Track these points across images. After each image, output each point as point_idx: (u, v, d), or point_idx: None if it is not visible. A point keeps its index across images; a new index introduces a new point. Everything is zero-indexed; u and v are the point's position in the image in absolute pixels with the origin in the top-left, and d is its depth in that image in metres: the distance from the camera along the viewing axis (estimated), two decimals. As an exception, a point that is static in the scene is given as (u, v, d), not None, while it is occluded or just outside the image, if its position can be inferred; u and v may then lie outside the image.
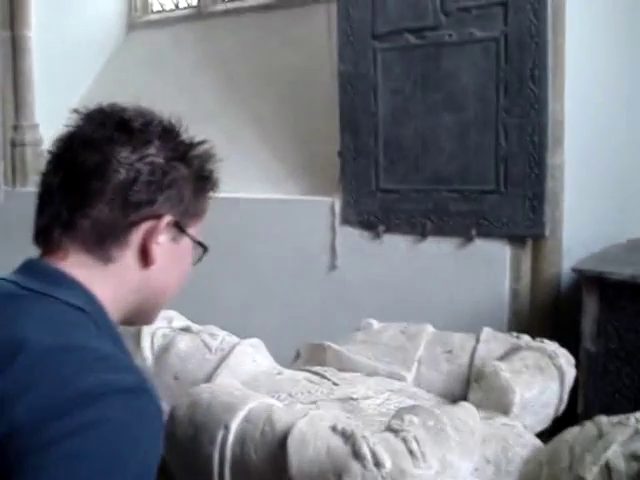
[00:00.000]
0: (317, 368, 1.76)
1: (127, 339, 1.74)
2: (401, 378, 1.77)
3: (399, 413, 1.33)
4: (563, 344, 2.34)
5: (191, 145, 1.06)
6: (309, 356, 1.85)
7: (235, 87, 3.44)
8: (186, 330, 1.76)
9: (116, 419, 0.83)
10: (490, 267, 2.69)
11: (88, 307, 0.96)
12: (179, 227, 1.04)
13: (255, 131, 3.27)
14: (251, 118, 3.31)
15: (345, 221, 2.91)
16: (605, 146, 2.68)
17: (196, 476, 1.36)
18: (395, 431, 1.25)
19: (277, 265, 3.03)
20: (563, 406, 1.67)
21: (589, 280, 2.40)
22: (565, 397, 1.66)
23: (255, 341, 1.77)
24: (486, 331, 1.84)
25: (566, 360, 1.68)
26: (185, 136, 1.06)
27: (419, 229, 2.78)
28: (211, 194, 1.12)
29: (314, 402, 1.61)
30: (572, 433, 1.43)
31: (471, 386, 1.61)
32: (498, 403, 1.57)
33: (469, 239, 2.69)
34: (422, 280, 2.75)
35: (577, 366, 2.19)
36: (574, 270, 2.47)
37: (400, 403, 1.62)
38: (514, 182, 2.61)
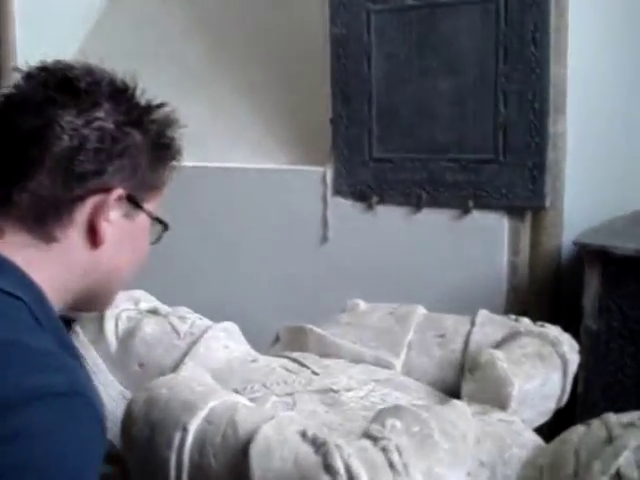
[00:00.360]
0: (296, 354, 1.55)
1: (89, 322, 1.55)
2: (388, 365, 1.56)
3: (380, 416, 1.13)
4: (563, 321, 2.14)
5: (147, 108, 0.93)
6: (289, 340, 1.65)
7: (225, 53, 3.19)
8: (154, 312, 1.55)
9: (43, 427, 0.70)
10: (488, 240, 2.49)
11: (25, 295, 0.82)
12: (133, 201, 0.91)
13: (245, 98, 3.04)
14: (241, 84, 3.07)
15: (337, 192, 2.70)
16: (610, 114, 2.46)
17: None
18: (374, 439, 1.05)
19: (266, 237, 2.82)
20: (566, 397, 1.47)
21: (591, 254, 2.21)
22: (568, 388, 1.46)
23: (229, 325, 1.56)
24: (482, 314, 1.63)
25: (570, 347, 1.48)
26: (140, 98, 0.93)
27: (414, 200, 2.58)
28: (173, 164, 1.01)
29: (290, 394, 1.41)
30: (577, 433, 1.23)
31: (464, 377, 1.41)
32: (494, 396, 1.37)
33: (466, 211, 2.49)
34: (417, 253, 2.55)
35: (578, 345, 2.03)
36: (575, 243, 2.27)
37: (385, 395, 1.42)
38: (513, 151, 2.39)
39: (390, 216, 2.60)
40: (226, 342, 1.52)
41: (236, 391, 1.42)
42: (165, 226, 1.04)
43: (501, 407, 1.37)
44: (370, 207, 2.64)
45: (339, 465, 1.00)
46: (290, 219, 2.76)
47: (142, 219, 0.96)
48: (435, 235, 2.54)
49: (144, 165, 0.93)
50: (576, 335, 2.23)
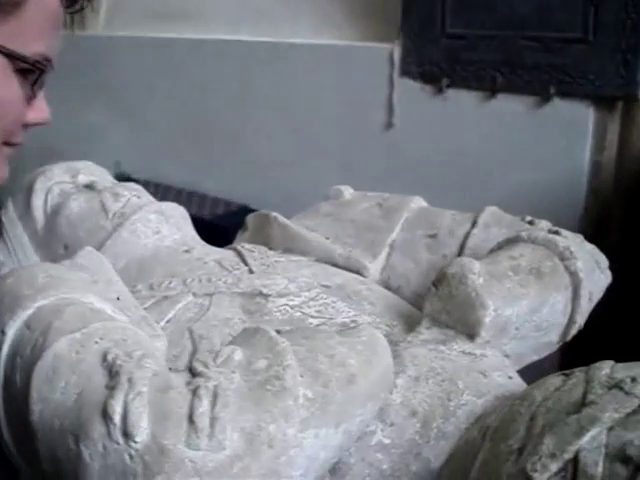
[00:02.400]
0: (249, 247, 1.16)
1: (17, 194, 1.21)
2: (360, 268, 1.14)
3: (232, 341, 0.73)
4: None
5: None
6: (255, 229, 1.25)
7: None
8: (90, 187, 1.19)
9: None
10: (569, 133, 1.98)
11: None
12: None
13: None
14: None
15: (404, 72, 2.23)
16: None
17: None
18: (195, 375, 0.65)
19: (327, 122, 2.39)
20: (576, 328, 1.00)
21: None
22: (579, 317, 0.99)
23: (167, 206, 1.18)
24: (489, 212, 1.16)
25: (587, 263, 1.00)
26: None
27: (488, 84, 2.09)
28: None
29: (210, 294, 1.03)
30: (545, 388, 0.78)
31: (428, 291, 0.96)
32: (462, 320, 0.93)
33: (546, 98, 1.99)
34: (489, 144, 2.08)
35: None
36: (667, 141, 1.73)
37: (324, 306, 1.00)
38: (605, 29, 1.86)
39: (461, 101, 2.14)
40: (158, 227, 1.14)
41: (151, 287, 1.06)
42: (38, 64, 0.75)
43: (469, 336, 0.93)
44: (440, 90, 2.17)
45: (116, 409, 0.62)
46: (353, 102, 2.33)
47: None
48: (510, 124, 2.06)
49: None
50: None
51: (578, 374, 0.78)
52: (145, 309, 1.01)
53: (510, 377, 0.91)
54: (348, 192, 1.26)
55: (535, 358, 1.01)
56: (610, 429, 0.67)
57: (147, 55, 2.81)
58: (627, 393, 0.70)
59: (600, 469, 0.64)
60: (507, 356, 0.97)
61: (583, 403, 0.71)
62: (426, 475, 0.79)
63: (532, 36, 2.00)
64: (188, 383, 0.64)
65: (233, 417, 0.61)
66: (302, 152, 2.46)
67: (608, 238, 1.98)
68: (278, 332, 0.72)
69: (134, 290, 1.05)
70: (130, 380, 0.63)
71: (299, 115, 2.43)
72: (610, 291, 1.71)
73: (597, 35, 1.90)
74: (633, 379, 0.71)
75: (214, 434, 0.60)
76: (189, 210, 2.52)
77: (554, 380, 0.79)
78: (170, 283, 1.05)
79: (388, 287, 1.15)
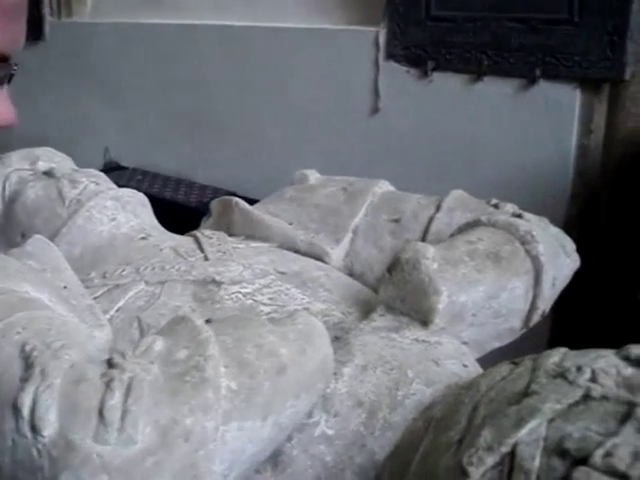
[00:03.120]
0: (209, 233, 1.12)
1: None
2: (323, 254, 1.10)
3: (158, 330, 0.69)
4: (633, 217, 1.62)
5: None
6: (218, 215, 1.21)
7: None
8: (48, 174, 1.15)
9: None
10: (555, 116, 1.94)
11: None
12: None
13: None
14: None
15: (390, 55, 2.19)
16: None
17: None
18: (111, 366, 0.62)
19: (313, 107, 2.36)
20: (539, 314, 0.96)
21: None
22: (541, 303, 0.95)
23: (124, 193, 1.14)
24: (454, 195, 1.12)
25: (551, 247, 0.96)
26: None
27: (474, 67, 2.05)
28: None
29: (163, 282, 0.99)
30: (491, 378, 0.74)
31: (383, 277, 0.93)
32: (415, 307, 0.89)
33: (532, 80, 1.95)
34: (475, 127, 2.04)
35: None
36: (653, 123, 1.68)
37: (278, 293, 0.97)
38: (591, 10, 1.83)
39: (447, 84, 2.10)
40: (114, 213, 1.10)
41: (104, 275, 1.03)
42: None
43: (423, 322, 0.89)
44: (425, 74, 2.13)
45: (25, 402, 0.59)
46: (338, 87, 2.29)
47: None
48: (496, 108, 2.03)
49: None
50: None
51: (527, 362, 0.74)
52: (96, 298, 0.98)
53: (465, 365, 0.88)
54: (314, 176, 1.22)
55: (497, 345, 0.97)
56: (550, 421, 0.63)
57: (135, 42, 2.77)
58: (571, 383, 0.66)
59: (537, 463, 0.60)
60: (465, 343, 0.93)
61: (526, 393, 0.67)
62: (370, 467, 0.76)
63: (518, 18, 1.96)
64: (103, 375, 0.60)
65: (147, 410, 0.58)
66: (289, 138, 2.42)
67: (595, 222, 1.94)
68: (208, 321, 0.68)
69: (87, 278, 1.02)
70: (43, 372, 0.60)
71: (286, 100, 2.39)
72: (598, 273, 1.67)
73: (583, 16, 1.85)
74: (579, 368, 0.67)
75: (124, 428, 0.57)
76: (176, 197, 2.51)
77: (502, 369, 0.75)
78: (123, 271, 1.01)
79: (351, 273, 1.12)
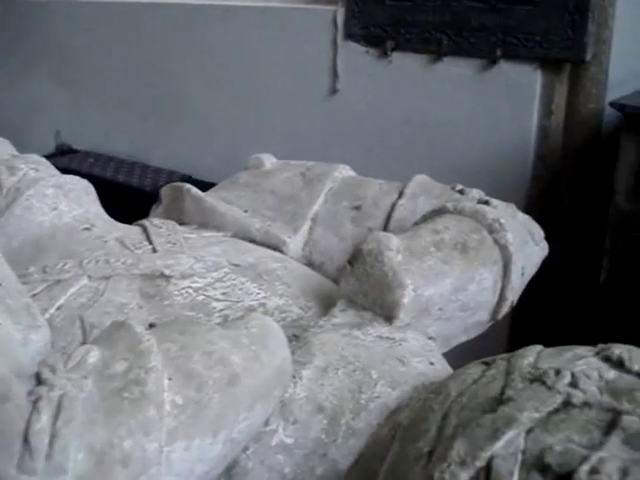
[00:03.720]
0: (157, 222, 1.04)
1: None
2: (280, 244, 1.03)
3: (95, 338, 0.61)
4: (594, 201, 1.56)
5: None
6: (169, 203, 1.13)
7: None
8: (-15, 161, 1.06)
9: None
10: (516, 97, 1.88)
11: None
12: None
13: None
14: None
15: (348, 35, 2.10)
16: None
17: None
18: (41, 382, 0.54)
19: (269, 89, 2.26)
20: (508, 305, 0.90)
21: (631, 120, 1.62)
22: (510, 293, 0.89)
23: (69, 180, 1.05)
24: (418, 180, 1.05)
25: (520, 235, 0.90)
26: None
27: (434, 46, 1.98)
28: None
29: (107, 277, 0.90)
30: (462, 381, 0.67)
31: (344, 270, 0.85)
32: (379, 301, 0.82)
33: (493, 61, 1.89)
34: (435, 108, 1.98)
35: (605, 226, 1.66)
36: (613, 105, 1.65)
37: (232, 287, 0.89)
38: (552, -11, 1.75)
39: (407, 65, 2.03)
40: (55, 202, 1.01)
41: (44, 269, 0.94)
42: None
43: (386, 318, 0.82)
44: (385, 54, 2.05)
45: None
46: (295, 67, 2.20)
47: None
48: (457, 88, 1.96)
49: None
50: (605, 216, 1.65)
51: (499, 363, 0.68)
52: (35, 295, 0.89)
53: (432, 363, 0.81)
54: (269, 161, 1.14)
55: (464, 339, 0.91)
56: (529, 431, 0.57)
57: (87, 21, 2.64)
58: (549, 388, 0.60)
59: (515, 479, 0.54)
60: (432, 338, 0.86)
61: (500, 399, 0.61)
62: (332, 478, 0.69)
63: (478, -4, 1.89)
64: (30, 393, 0.52)
65: (79, 433, 0.50)
66: (245, 120, 2.33)
67: (556, 205, 1.89)
68: (152, 325, 0.61)
69: (26, 273, 0.93)
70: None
71: (243, 81, 2.30)
72: (559, 257, 1.61)
73: (544, -5, 1.79)
74: (557, 372, 0.61)
75: (53, 455, 0.49)
76: (130, 181, 2.41)
77: (472, 370, 0.69)
78: (65, 265, 0.93)
79: (310, 264, 1.05)
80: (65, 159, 2.56)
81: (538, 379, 0.61)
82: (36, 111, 2.84)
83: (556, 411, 0.58)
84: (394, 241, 0.82)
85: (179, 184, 1.11)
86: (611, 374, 0.59)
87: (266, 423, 0.70)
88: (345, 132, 2.16)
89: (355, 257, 0.83)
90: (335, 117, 2.17)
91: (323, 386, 0.73)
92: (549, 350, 0.68)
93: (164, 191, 1.15)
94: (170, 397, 0.55)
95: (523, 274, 0.91)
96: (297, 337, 0.79)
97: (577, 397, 0.58)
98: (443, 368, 0.82)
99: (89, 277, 0.91)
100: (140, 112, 2.56)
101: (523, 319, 1.83)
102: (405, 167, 1.53)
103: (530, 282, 0.97)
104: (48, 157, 2.52)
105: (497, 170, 1.93)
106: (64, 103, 2.78)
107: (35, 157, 1.12)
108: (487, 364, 0.69)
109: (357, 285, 0.84)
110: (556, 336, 1.69)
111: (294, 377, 0.72)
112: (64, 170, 2.29)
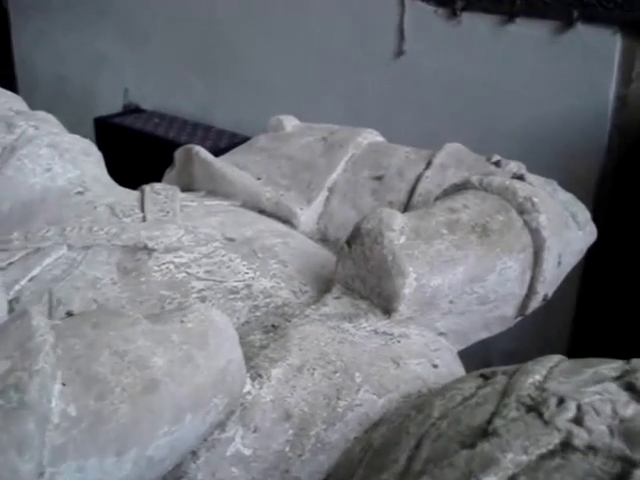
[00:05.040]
0: (158, 187, 0.93)
1: None
2: (291, 216, 0.90)
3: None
4: None
5: None
6: (181, 166, 1.01)
7: None
8: (-14, 113, 0.97)
9: None
10: (593, 62, 1.69)
11: None
12: None
13: None
14: None
15: (416, -6, 1.92)
16: None
17: None
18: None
19: (333, 50, 2.12)
20: (539, 300, 0.74)
21: None
22: (542, 286, 0.73)
23: (67, 139, 0.95)
24: (449, 150, 0.90)
25: (557, 217, 0.74)
26: None
27: (506, 7, 1.81)
28: None
29: (87, 247, 0.80)
30: (452, 396, 0.53)
31: (341, 251, 0.72)
32: (377, 290, 0.69)
33: (569, 23, 1.69)
34: (505, 73, 1.81)
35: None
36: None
37: (218, 265, 0.77)
38: (635, -56, 1.57)
39: (477, 26, 1.85)
40: (49, 163, 0.91)
41: (26, 236, 0.84)
42: None
43: (386, 310, 0.68)
44: (454, 14, 1.88)
45: None
46: (360, 28, 2.04)
47: None
48: (529, 52, 1.78)
49: None
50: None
51: (499, 379, 0.53)
52: (11, 263, 0.79)
53: (435, 365, 0.67)
54: (291, 123, 1.01)
55: (485, 335, 0.76)
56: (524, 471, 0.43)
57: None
58: (546, 422, 0.45)
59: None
60: (442, 335, 0.72)
61: (485, 431, 0.46)
62: (294, 501, 0.56)
63: (554, -51, 1.70)
64: None
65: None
66: (310, 81, 2.19)
67: (631, 179, 1.70)
68: (70, 314, 0.49)
69: (7, 239, 0.83)
70: None
71: (305, 43, 2.16)
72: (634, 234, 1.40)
73: (626, -48, 1.58)
74: (560, 400, 0.46)
75: None
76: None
77: (467, 385, 0.55)
78: (47, 232, 0.83)
79: (325, 239, 0.91)
80: (131, 118, 2.49)
81: (535, 408, 0.46)
82: (105, 68, 2.78)
83: (550, 454, 0.43)
84: (398, 220, 0.68)
85: (190, 146, 0.99)
86: (629, 410, 0.44)
87: (222, 429, 0.58)
88: (409, 96, 2.01)
89: (353, 237, 0.70)
90: (399, 80, 2.02)
91: (294, 389, 0.61)
92: (567, 364, 0.53)
93: (178, 153, 1.03)
94: (61, 407, 0.43)
95: (560, 263, 0.75)
96: (276, 328, 0.67)
97: (580, 438, 0.43)
98: (449, 371, 0.68)
99: (69, 246, 0.81)
100: (204, 72, 2.46)
101: (589, 306, 1.66)
102: (469, 135, 1.38)
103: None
104: (115, 116, 2.46)
105: (569, 141, 1.75)
106: (132, 62, 2.71)
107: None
108: (486, 378, 0.55)
109: (354, 269, 0.70)
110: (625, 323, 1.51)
111: (261, 376, 0.60)
112: (129, 129, 2.21)
